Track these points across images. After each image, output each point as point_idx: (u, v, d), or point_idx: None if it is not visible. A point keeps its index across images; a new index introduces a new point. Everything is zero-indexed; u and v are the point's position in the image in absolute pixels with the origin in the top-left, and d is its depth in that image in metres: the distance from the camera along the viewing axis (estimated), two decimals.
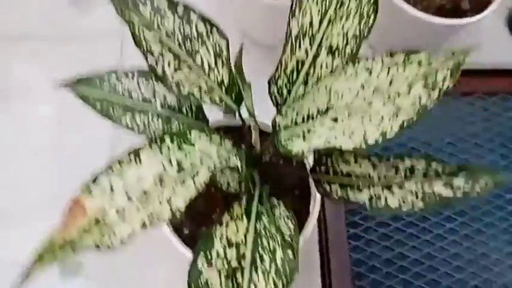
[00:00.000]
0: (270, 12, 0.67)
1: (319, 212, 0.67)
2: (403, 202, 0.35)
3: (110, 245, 0.28)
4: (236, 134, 0.54)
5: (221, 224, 0.34)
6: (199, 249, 0.32)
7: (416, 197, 0.35)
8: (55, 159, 0.72)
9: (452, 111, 0.76)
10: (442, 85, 0.30)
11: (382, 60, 0.32)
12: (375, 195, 0.37)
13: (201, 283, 0.31)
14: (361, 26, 0.34)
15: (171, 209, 0.30)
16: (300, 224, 0.52)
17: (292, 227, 0.44)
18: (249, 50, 0.76)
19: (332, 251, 0.65)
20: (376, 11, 0.34)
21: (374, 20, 0.34)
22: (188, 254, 0.46)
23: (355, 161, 0.38)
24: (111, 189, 0.30)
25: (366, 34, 0.34)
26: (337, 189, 0.39)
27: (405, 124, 0.30)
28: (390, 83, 0.32)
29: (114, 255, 0.71)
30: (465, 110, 0.76)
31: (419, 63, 0.31)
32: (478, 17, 0.63)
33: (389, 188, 0.36)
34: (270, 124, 0.38)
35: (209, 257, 0.32)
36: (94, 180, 0.30)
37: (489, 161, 0.73)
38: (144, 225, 0.30)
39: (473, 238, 0.68)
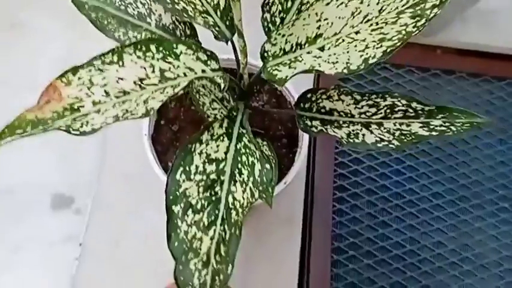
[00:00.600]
0: None
1: (308, 171, 0.67)
2: (380, 140, 0.35)
3: (81, 130, 0.29)
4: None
5: (201, 143, 0.34)
6: (178, 164, 0.33)
7: (393, 136, 0.35)
8: None
9: (458, 90, 0.75)
10: (429, 14, 0.29)
11: None
12: (353, 131, 0.37)
13: (178, 193, 0.31)
14: None
15: (146, 109, 0.31)
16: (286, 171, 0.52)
17: (272, 165, 0.45)
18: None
19: (316, 209, 0.66)
20: None
21: None
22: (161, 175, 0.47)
23: (338, 98, 0.38)
24: (90, 82, 0.30)
25: None
26: (318, 124, 0.39)
27: (388, 50, 0.30)
28: (380, 11, 0.32)
29: (106, 190, 0.72)
30: (471, 91, 0.75)
31: None
32: None
33: (368, 126, 0.36)
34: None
35: (188, 170, 0.33)
36: (74, 72, 0.30)
37: (485, 143, 0.72)
38: (117, 118, 0.30)
39: (458, 216, 0.68)
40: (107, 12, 0.40)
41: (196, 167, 0.34)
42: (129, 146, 0.67)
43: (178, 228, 0.32)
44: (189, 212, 0.33)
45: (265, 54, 0.38)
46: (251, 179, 0.34)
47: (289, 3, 0.38)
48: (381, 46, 0.31)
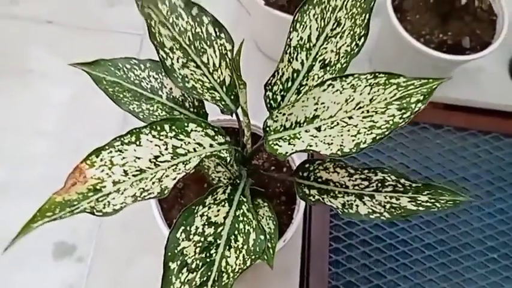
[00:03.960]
0: (281, 26, 0.71)
1: (305, 223, 0.70)
2: (372, 211, 0.39)
3: (103, 211, 0.32)
4: (235, 136, 0.58)
5: (204, 206, 0.37)
6: (180, 223, 0.35)
7: (384, 208, 0.38)
8: (61, 142, 0.76)
9: (445, 143, 0.79)
10: (414, 107, 0.33)
11: (366, 79, 0.36)
12: (348, 202, 0.40)
13: (176, 251, 0.34)
14: (353, 46, 0.38)
15: (160, 187, 0.34)
16: (284, 226, 0.55)
17: (272, 227, 0.48)
18: (259, 61, 0.81)
19: (313, 260, 0.68)
20: (366, 34, 0.37)
21: (364, 41, 0.38)
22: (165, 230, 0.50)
23: (334, 170, 0.41)
24: (111, 163, 0.33)
25: (356, 52, 0.38)
26: (315, 193, 0.42)
27: (377, 138, 0.34)
28: (370, 100, 0.35)
29: (106, 238, 0.74)
30: (458, 144, 0.79)
31: (398, 85, 0.34)
32: (476, 56, 0.67)
33: (361, 197, 0.40)
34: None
35: (188, 230, 0.35)
36: (97, 154, 0.33)
37: (473, 195, 0.75)
38: (135, 198, 0.33)
39: (450, 267, 0.71)
40: (123, 86, 0.44)
41: (196, 228, 0.36)
42: None
43: (172, 285, 0.34)
44: (184, 270, 0.35)
45: (267, 128, 0.41)
46: (245, 247, 0.36)
47: (289, 84, 0.42)
48: (371, 133, 0.34)
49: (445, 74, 0.75)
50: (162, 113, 0.45)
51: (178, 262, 0.34)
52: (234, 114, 0.45)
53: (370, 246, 0.70)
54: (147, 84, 0.45)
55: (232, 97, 0.44)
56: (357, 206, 0.39)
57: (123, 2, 0.88)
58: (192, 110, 0.47)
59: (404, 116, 0.33)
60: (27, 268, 0.68)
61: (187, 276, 0.34)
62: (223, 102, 0.44)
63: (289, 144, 0.39)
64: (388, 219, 0.37)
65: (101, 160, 0.33)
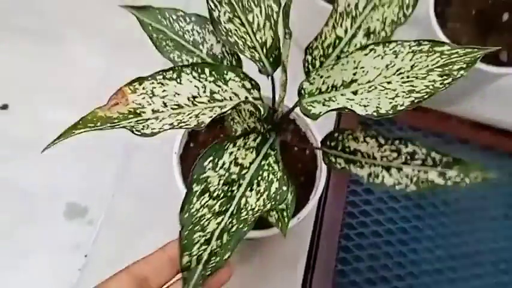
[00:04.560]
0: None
1: (317, 216, 0.69)
2: (398, 183, 0.38)
3: (142, 132, 0.32)
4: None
5: (234, 145, 0.37)
6: (209, 153, 0.36)
7: (411, 181, 0.38)
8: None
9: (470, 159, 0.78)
10: (456, 74, 0.33)
11: (409, 46, 0.36)
12: (374, 173, 0.40)
13: (202, 177, 0.34)
14: (400, 15, 0.39)
15: (197, 121, 0.34)
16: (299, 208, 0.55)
17: (290, 198, 0.47)
18: (295, 55, 0.82)
19: (320, 255, 0.67)
20: (415, 4, 0.38)
21: (412, 11, 0.38)
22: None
23: (364, 140, 0.41)
24: (152, 93, 0.34)
25: (402, 22, 0.39)
26: (341, 162, 0.42)
27: (416, 101, 0.34)
28: (412, 67, 0.36)
29: (119, 205, 0.73)
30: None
31: (442, 53, 0.34)
32: None
33: (388, 169, 0.39)
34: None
35: (216, 162, 0.36)
36: (140, 82, 0.34)
37: (491, 216, 0.74)
38: (173, 126, 0.34)
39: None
40: (167, 35, 0.45)
41: (224, 163, 0.37)
42: (150, 166, 0.70)
43: (192, 204, 0.35)
44: (206, 195, 0.35)
45: (302, 91, 0.42)
46: (266, 192, 0.36)
47: (330, 50, 0.42)
48: (410, 96, 0.34)
49: (480, 87, 0.75)
50: None
51: (202, 187, 0.34)
52: (270, 78, 0.46)
53: (379, 250, 0.69)
54: (190, 37, 0.46)
55: (271, 59, 0.45)
56: (383, 176, 0.39)
57: None
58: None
59: (446, 82, 0.33)
60: (37, 222, 0.68)
61: (207, 201, 0.34)
62: (261, 63, 0.45)
63: (324, 105, 0.39)
64: (414, 192, 0.37)
65: (143, 88, 0.34)
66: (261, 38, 0.44)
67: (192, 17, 0.47)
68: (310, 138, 0.59)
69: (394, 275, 0.67)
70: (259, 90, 0.41)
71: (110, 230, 0.68)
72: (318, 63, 0.43)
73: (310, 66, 0.43)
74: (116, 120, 0.31)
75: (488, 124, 0.80)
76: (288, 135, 0.60)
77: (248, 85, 0.40)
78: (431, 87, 0.34)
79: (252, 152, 0.38)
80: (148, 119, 0.33)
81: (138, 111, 0.33)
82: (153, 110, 0.34)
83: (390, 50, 0.37)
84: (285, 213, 0.46)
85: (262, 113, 0.39)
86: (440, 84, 0.34)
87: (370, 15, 0.40)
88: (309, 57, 0.43)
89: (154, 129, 0.32)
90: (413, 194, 0.38)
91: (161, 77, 0.35)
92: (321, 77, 0.40)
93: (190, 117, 0.34)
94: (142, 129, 0.32)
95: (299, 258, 0.67)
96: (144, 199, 0.69)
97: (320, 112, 0.39)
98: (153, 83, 0.34)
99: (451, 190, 0.36)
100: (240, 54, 0.45)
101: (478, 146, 0.79)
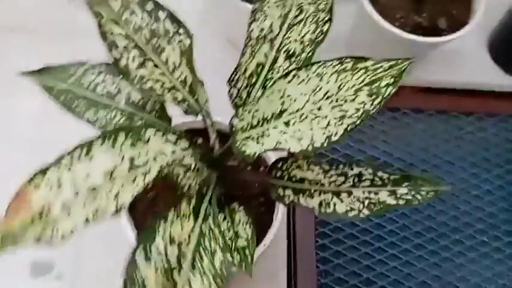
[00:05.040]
0: None
1: (289, 222, 0.67)
2: (351, 209, 0.36)
3: (50, 240, 0.29)
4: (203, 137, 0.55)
5: (166, 221, 0.34)
6: (139, 243, 0.32)
7: (363, 205, 0.36)
8: (34, 152, 0.71)
9: (428, 128, 0.77)
10: (385, 92, 0.31)
11: (332, 66, 0.33)
12: (325, 201, 0.37)
13: (136, 277, 0.31)
14: (317, 33, 0.36)
15: (116, 205, 0.31)
16: (264, 229, 0.52)
17: (249, 233, 0.45)
18: (232, 56, 0.78)
19: (299, 259, 0.66)
20: (330, 19, 0.35)
21: (329, 27, 0.35)
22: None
23: (308, 167, 0.39)
24: (59, 183, 0.30)
25: (321, 40, 0.36)
26: (290, 194, 0.40)
27: (349, 128, 0.31)
28: (339, 88, 0.33)
29: (86, 256, 0.69)
30: (440, 128, 0.78)
31: (366, 70, 0.32)
32: (454, 36, 0.65)
33: (338, 194, 0.37)
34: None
35: (148, 251, 0.32)
36: (42, 173, 0.30)
37: (459, 178, 0.74)
38: (87, 220, 0.30)
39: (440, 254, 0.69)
40: (76, 94, 0.41)
41: (157, 248, 0.33)
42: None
43: None
44: None
45: (234, 128, 0.39)
46: (211, 269, 0.33)
47: (254, 79, 0.39)
48: (342, 123, 0.32)
49: (423, 57, 0.73)
50: (121, 119, 0.42)
51: (138, 286, 0.31)
52: (199, 115, 0.43)
53: (358, 240, 0.68)
54: (103, 89, 0.42)
55: (196, 96, 0.41)
56: (335, 204, 0.37)
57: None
58: (154, 113, 0.43)
59: (375, 102, 0.31)
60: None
61: None
62: (186, 103, 0.41)
63: (258, 143, 0.36)
64: (368, 216, 0.35)
65: (48, 180, 0.30)
66: (179, 76, 0.41)
67: (102, 66, 0.42)
68: (266, 158, 0.56)
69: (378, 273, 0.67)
70: (186, 139, 0.37)
71: (80, 281, 0.64)
72: (244, 94, 0.40)
73: (236, 100, 0.40)
74: (20, 233, 0.28)
75: (440, 88, 0.79)
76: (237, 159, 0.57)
77: (172, 138, 0.36)
78: (361, 110, 0.32)
79: (188, 219, 0.35)
80: (57, 219, 0.29)
81: (44, 211, 0.29)
82: (62, 204, 0.29)
83: (313, 73, 0.34)
84: (247, 251, 0.43)
85: (193, 166, 0.35)
86: (371, 106, 0.31)
87: (288, 36, 0.37)
88: (234, 90, 0.40)
89: (64, 231, 0.28)
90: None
91: (67, 160, 0.31)
92: (249, 111, 0.37)
93: (107, 201, 0.30)
94: (51, 236, 0.28)
95: (280, 269, 0.65)
96: (108, 244, 0.66)
97: (255, 153, 0.36)
98: (58, 169, 0.30)
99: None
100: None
101: (434, 112, 0.78)
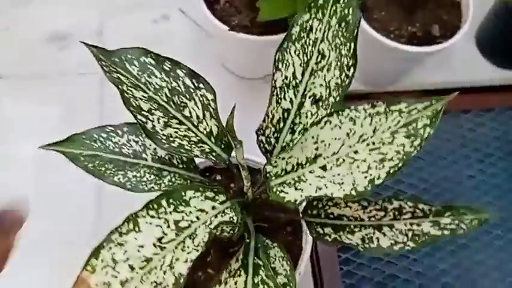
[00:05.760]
0: (248, 47, 0.68)
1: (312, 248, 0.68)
2: (395, 242, 0.37)
3: None
4: (224, 173, 0.55)
5: (220, 284, 0.34)
6: None
7: (407, 237, 0.36)
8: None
9: None
10: (423, 133, 0.31)
11: (364, 110, 0.34)
12: (367, 236, 0.38)
13: None
14: (343, 77, 0.36)
15: (174, 276, 0.31)
16: (293, 258, 0.53)
17: (287, 268, 0.45)
18: (229, 84, 0.78)
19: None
20: (355, 64, 0.35)
21: (354, 71, 0.36)
22: None
23: (346, 205, 0.39)
24: (114, 261, 0.30)
25: (347, 84, 0.36)
26: (330, 231, 0.40)
27: (391, 171, 0.32)
28: (374, 131, 0.33)
29: None
30: (442, 128, 0.79)
31: (400, 112, 0.32)
32: (449, 42, 0.66)
33: (380, 228, 0.38)
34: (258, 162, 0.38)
35: None
36: (96, 255, 0.30)
37: (467, 176, 0.76)
38: None
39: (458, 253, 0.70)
40: (103, 158, 0.41)
41: None
42: None
43: None
44: None
45: (268, 174, 0.39)
46: None
47: (281, 124, 0.39)
48: (383, 166, 0.32)
49: (420, 63, 0.75)
50: (150, 177, 0.42)
51: None
52: (227, 164, 0.43)
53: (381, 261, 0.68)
54: (129, 149, 0.42)
55: (222, 146, 0.41)
56: (377, 238, 0.37)
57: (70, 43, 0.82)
58: (181, 166, 0.43)
59: (415, 143, 0.32)
60: None
61: None
62: (214, 154, 0.41)
63: (296, 189, 0.37)
64: (414, 248, 0.36)
65: (102, 261, 0.30)
66: (205, 129, 0.41)
67: (123, 127, 0.42)
68: None
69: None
70: (223, 193, 0.37)
71: None
72: (273, 140, 0.40)
73: (266, 146, 0.40)
74: None
75: (437, 89, 0.81)
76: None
77: (210, 194, 0.36)
78: (401, 152, 0.32)
79: (240, 275, 0.35)
80: None
81: None
82: (121, 282, 0.30)
83: (346, 117, 0.34)
84: None
85: (235, 220, 0.36)
86: (411, 147, 0.32)
87: (312, 81, 0.38)
88: (262, 138, 0.40)
89: None
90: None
91: (117, 235, 0.31)
92: (282, 158, 0.37)
93: (164, 273, 0.30)
94: None
95: None
96: None
97: (296, 200, 0.36)
98: (110, 248, 0.30)
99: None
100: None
101: None
